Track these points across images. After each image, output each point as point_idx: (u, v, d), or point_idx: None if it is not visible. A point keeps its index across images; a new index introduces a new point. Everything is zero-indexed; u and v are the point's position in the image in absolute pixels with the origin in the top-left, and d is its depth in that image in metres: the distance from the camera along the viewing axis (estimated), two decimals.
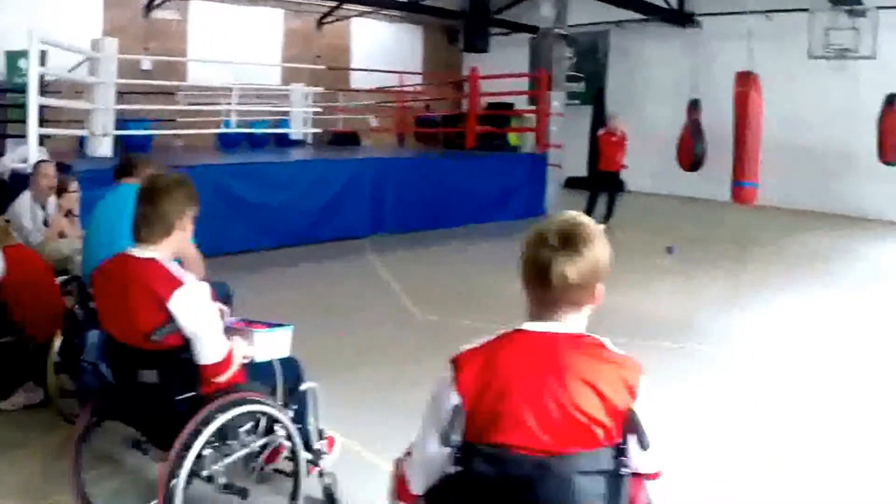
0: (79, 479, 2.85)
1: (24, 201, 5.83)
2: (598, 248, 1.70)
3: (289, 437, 2.85)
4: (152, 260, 2.60)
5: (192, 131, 11.94)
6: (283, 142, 14.09)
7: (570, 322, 1.75)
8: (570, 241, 1.67)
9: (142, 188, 2.70)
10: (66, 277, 4.63)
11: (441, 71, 18.26)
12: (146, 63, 13.31)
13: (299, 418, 3.02)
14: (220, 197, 8.05)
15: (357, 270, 7.78)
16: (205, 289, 2.66)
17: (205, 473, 2.65)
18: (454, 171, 10.55)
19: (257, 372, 2.93)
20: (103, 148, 8.58)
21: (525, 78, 13.79)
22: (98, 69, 8.37)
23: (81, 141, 12.03)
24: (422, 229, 9.77)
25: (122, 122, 12.88)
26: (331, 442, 3.30)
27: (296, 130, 13.64)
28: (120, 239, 3.56)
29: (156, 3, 14.34)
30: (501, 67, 13.19)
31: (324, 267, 7.97)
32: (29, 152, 8.11)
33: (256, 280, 7.13)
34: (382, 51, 17.21)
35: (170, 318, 2.53)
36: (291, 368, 3.09)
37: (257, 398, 2.78)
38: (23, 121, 9.77)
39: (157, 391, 2.69)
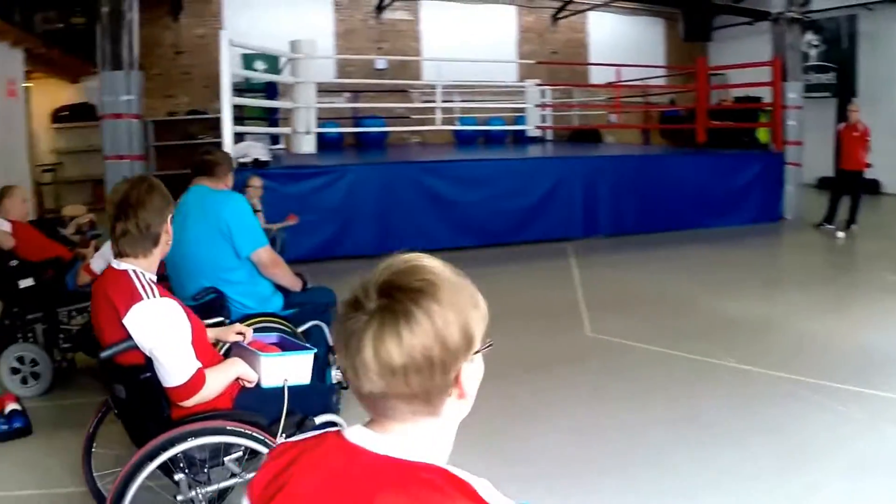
0: (90, 473, 2.79)
1: None
2: (449, 311, 1.05)
3: None
4: (124, 272, 2.39)
5: (425, 128, 12.08)
6: (521, 139, 13.91)
7: (400, 434, 1.08)
8: (396, 299, 1.04)
9: (116, 203, 2.45)
10: None
11: (686, 64, 16.87)
12: (380, 63, 13.79)
13: None
14: (420, 194, 8.11)
15: (550, 274, 7.22)
16: (166, 306, 2.36)
17: (180, 499, 2.45)
18: (677, 170, 9.52)
19: (265, 398, 2.58)
20: (307, 145, 8.82)
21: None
22: (298, 69, 8.61)
23: (320, 137, 12.86)
24: (638, 233, 8.94)
25: (356, 119, 13.62)
26: None
27: (532, 127, 13.34)
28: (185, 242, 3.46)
29: (385, 4, 14.77)
30: (745, 58, 11.77)
31: (515, 269, 7.53)
32: (248, 148, 8.73)
33: None
34: (621, 45, 16.25)
35: (128, 335, 2.32)
36: (307, 397, 2.69)
37: (236, 428, 2.40)
38: (257, 118, 10.60)
39: (128, 408, 2.54)
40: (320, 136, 13.15)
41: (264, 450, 2.41)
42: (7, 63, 9.98)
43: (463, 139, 14.17)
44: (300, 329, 3.73)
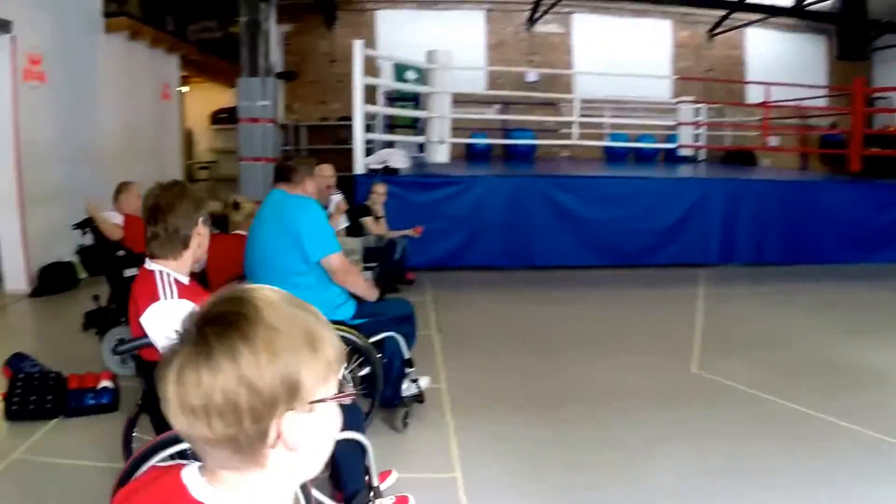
0: (128, 455, 2.76)
1: None
2: (263, 353, 0.93)
3: None
4: (151, 273, 2.45)
5: (574, 142, 11.82)
6: (672, 158, 13.39)
7: (226, 483, 0.98)
8: (203, 334, 0.94)
9: (148, 207, 2.51)
10: None
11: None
12: (531, 75, 13.68)
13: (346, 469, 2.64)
14: (549, 209, 7.94)
15: (672, 302, 6.73)
16: (182, 308, 2.30)
17: None
18: (827, 199, 8.66)
19: None
20: (440, 154, 8.83)
21: None
22: (433, 79, 8.64)
23: (468, 147, 13.01)
24: (779, 264, 8.25)
25: (505, 131, 13.61)
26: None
27: (683, 146, 12.75)
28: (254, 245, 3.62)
29: (537, 16, 14.61)
30: None
31: (637, 293, 7.16)
32: (389, 155, 8.91)
33: (558, 297, 6.87)
34: (780, 63, 15.15)
35: (145, 333, 2.37)
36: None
37: None
38: (407, 126, 10.79)
39: (148, 400, 2.62)
40: (469, 147, 13.34)
41: None
42: (163, 68, 10.72)
43: (612, 155, 13.82)
44: (372, 339, 3.64)
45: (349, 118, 13.31)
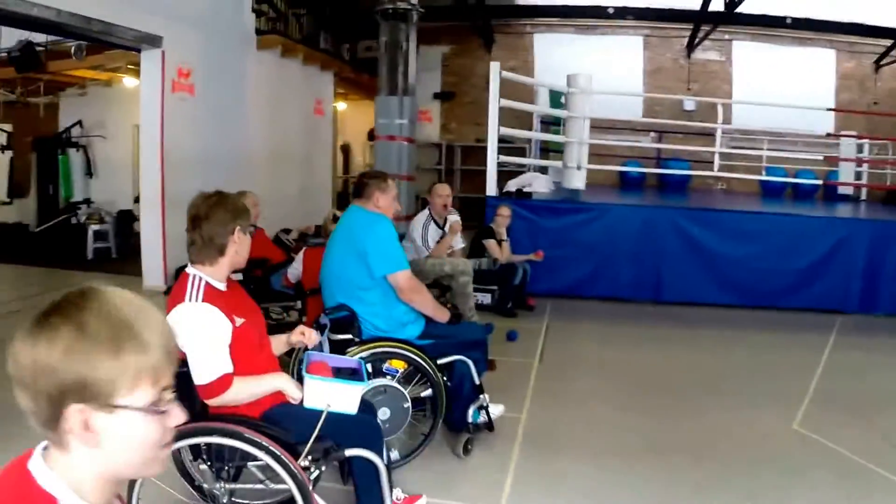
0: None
1: (421, 217, 6.22)
2: (56, 348, 1.01)
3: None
4: (186, 276, 2.57)
5: (729, 175, 11.24)
6: (831, 196, 12.39)
7: (61, 470, 1.06)
8: (42, 318, 1.04)
9: (190, 216, 2.62)
10: None
11: None
12: (689, 104, 13.19)
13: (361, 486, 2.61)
14: (681, 242, 7.62)
15: (794, 350, 6.10)
16: (202, 311, 2.46)
17: (205, 486, 2.58)
18: None
19: (300, 417, 2.57)
20: (576, 181, 8.67)
21: None
22: (573, 104, 8.49)
23: (621, 174, 12.76)
24: None
25: (660, 160, 13.19)
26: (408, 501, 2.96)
27: (844, 184, 11.75)
28: (330, 258, 3.68)
29: (696, 43, 14.02)
30: None
31: (759, 338, 6.50)
32: (532, 179, 8.91)
33: (675, 335, 6.54)
34: None
35: None
36: (347, 428, 2.60)
37: (253, 437, 2.39)
38: (559, 151, 10.70)
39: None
40: (623, 175, 13.01)
41: (276, 465, 2.38)
42: (316, 84, 11.26)
43: (769, 190, 13.00)
44: (440, 361, 3.57)
45: (504, 140, 13.47)
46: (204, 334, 2.43)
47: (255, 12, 9.33)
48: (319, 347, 3.49)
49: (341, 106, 14.97)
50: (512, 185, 9.17)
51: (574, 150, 8.76)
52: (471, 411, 3.73)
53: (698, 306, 7.43)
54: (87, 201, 11.24)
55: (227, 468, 2.53)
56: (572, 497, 3.33)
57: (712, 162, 12.59)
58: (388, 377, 3.46)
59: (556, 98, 12.32)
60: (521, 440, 3.94)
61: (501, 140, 9.64)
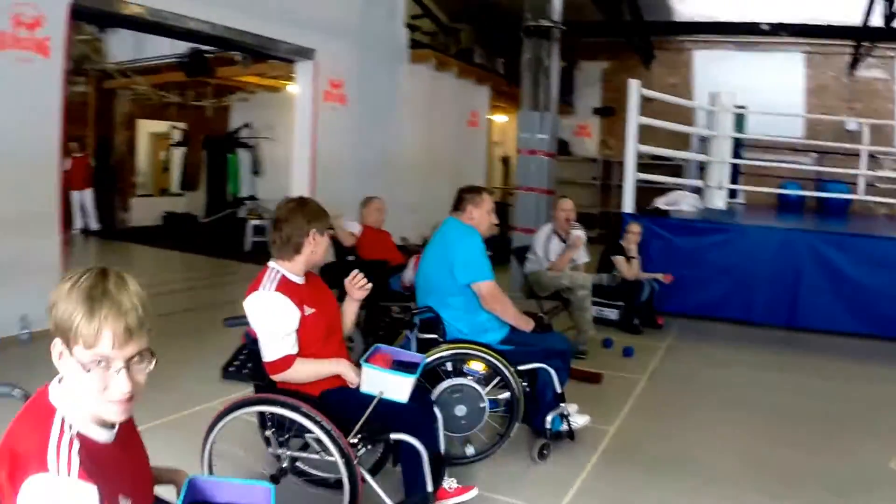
0: None
1: (544, 231, 6.33)
2: (61, 292, 1.46)
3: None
4: (266, 268, 2.92)
5: (888, 200, 10.48)
6: None
7: (63, 390, 1.50)
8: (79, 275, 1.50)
9: (274, 218, 3.00)
10: None
11: None
12: (852, 124, 12.37)
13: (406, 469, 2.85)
14: (819, 267, 7.24)
15: None
16: (272, 299, 2.80)
17: (269, 451, 2.93)
18: None
19: (355, 400, 2.85)
20: (717, 200, 8.44)
21: None
22: (715, 122, 8.29)
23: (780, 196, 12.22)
24: None
25: (820, 182, 12.49)
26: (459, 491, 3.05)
27: None
28: (424, 264, 3.97)
29: (859, 60, 13.07)
30: None
31: (885, 373, 6.06)
32: (680, 197, 8.84)
33: (803, 364, 6.23)
34: None
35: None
36: (397, 414, 2.84)
37: (308, 412, 2.68)
38: None
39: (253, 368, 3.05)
40: (781, 197, 12.38)
41: (326, 439, 2.66)
42: (471, 97, 11.60)
43: None
44: (521, 367, 3.70)
45: (662, 158, 13.28)
46: (271, 319, 2.77)
47: (409, 27, 9.81)
48: (406, 343, 3.75)
49: (502, 119, 15.24)
50: (660, 203, 9.07)
51: (715, 169, 8.52)
52: (550, 418, 3.82)
53: (834, 335, 7.00)
54: (252, 198, 12.25)
55: (287, 437, 2.84)
56: None
57: (874, 186, 11.79)
58: (469, 377, 3.64)
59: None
60: (601, 452, 3.98)
61: (657, 157, 9.56)
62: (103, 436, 1.48)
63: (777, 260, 7.34)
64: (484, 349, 3.66)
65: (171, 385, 4.33)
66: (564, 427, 3.92)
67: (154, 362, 1.48)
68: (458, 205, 4.00)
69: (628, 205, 7.96)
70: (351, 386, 2.91)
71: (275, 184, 12.53)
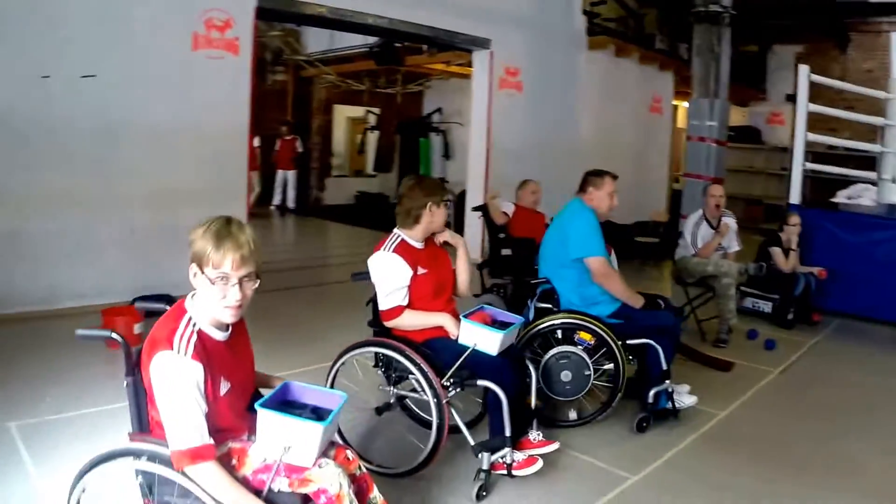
0: None
1: (693, 217, 6.45)
2: (198, 232, 2.12)
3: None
4: (391, 233, 3.49)
5: None
6: None
7: (196, 301, 2.21)
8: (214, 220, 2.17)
9: (398, 193, 3.58)
10: None
11: None
12: None
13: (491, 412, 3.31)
14: None
15: None
16: (387, 259, 3.38)
17: (380, 387, 3.59)
18: None
19: (452, 349, 3.33)
20: (891, 194, 8.01)
21: None
22: (892, 111, 7.85)
23: None
24: None
25: None
26: (528, 462, 3.28)
27: None
28: (546, 239, 4.38)
29: None
30: None
31: None
32: (862, 190, 8.56)
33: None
34: None
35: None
36: (485, 364, 3.27)
37: (411, 355, 3.24)
38: None
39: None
40: None
41: (422, 379, 3.19)
42: (654, 83, 11.58)
43: None
44: (628, 342, 4.00)
45: (852, 149, 12.52)
46: (386, 275, 3.35)
47: (588, 13, 10.04)
48: (526, 311, 4.14)
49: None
50: (842, 196, 8.73)
51: (891, 160, 8.07)
52: (653, 392, 4.07)
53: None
54: (443, 180, 13.03)
55: (393, 375, 3.40)
56: (710, 496, 3.46)
57: None
58: (578, 346, 3.98)
59: None
60: (702, 433, 4.15)
61: (849, 148, 9.14)
62: (219, 335, 2.14)
63: None
64: (593, 321, 4.00)
65: (320, 339, 5.08)
66: (666, 404, 4.15)
67: (258, 282, 2.13)
68: (582, 186, 4.35)
69: (794, 195, 7.77)
70: (451, 337, 3.39)
71: (464, 167, 13.24)
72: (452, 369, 3.19)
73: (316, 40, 12.79)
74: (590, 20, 10.18)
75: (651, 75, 11.45)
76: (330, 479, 2.16)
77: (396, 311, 3.34)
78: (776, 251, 7.00)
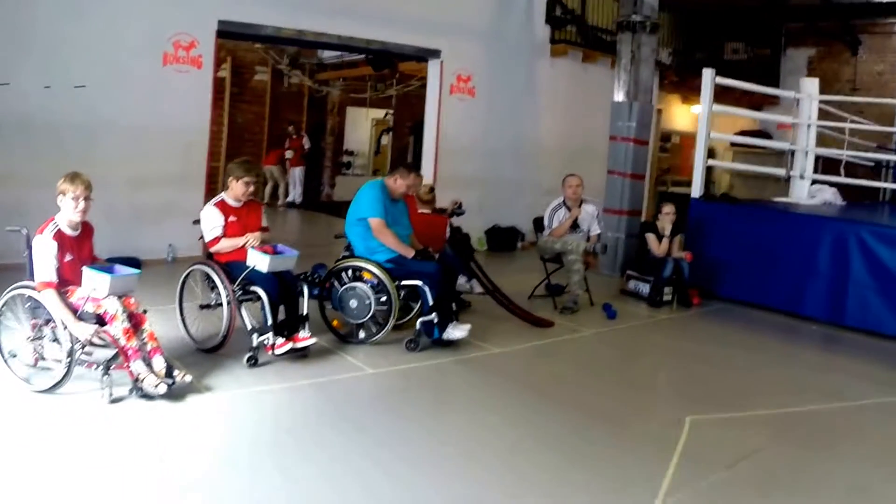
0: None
1: (553, 203, 8.78)
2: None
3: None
4: (220, 198, 6.01)
5: None
6: None
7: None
8: None
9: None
10: None
11: None
12: None
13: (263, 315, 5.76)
14: (862, 260, 8.28)
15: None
16: (208, 208, 6.03)
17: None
18: None
19: (243, 267, 5.85)
20: (800, 190, 9.98)
21: None
22: (799, 110, 9.82)
23: None
24: None
25: None
26: (283, 344, 5.76)
27: None
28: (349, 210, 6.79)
29: None
30: None
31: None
32: (818, 191, 10.66)
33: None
34: None
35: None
36: (261, 278, 5.75)
37: (207, 263, 5.92)
38: None
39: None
40: None
41: (221, 287, 5.69)
42: None
43: None
44: (403, 283, 6.42)
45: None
46: (206, 219, 5.89)
47: (551, 22, 12.41)
48: (341, 258, 6.62)
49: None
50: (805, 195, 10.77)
51: (799, 158, 10.01)
52: (419, 322, 6.43)
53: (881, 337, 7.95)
54: None
55: (213, 286, 5.91)
56: (428, 399, 5.91)
57: None
58: (364, 283, 6.42)
59: None
60: (460, 359, 6.31)
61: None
62: (70, 232, 4.80)
63: (826, 252, 8.51)
64: (373, 265, 6.42)
65: None
66: (438, 335, 6.46)
67: (92, 200, 4.79)
68: (391, 171, 6.90)
69: (696, 190, 9.83)
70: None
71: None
72: (239, 279, 5.72)
73: None
74: (553, 29, 12.51)
75: None
76: (112, 306, 4.77)
77: (214, 242, 5.89)
78: (651, 237, 9.13)
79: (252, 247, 5.90)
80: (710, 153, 18.23)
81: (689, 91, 15.32)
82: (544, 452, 4.58)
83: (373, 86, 16.36)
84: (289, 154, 15.75)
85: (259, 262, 5.83)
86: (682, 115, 17.11)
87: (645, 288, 9.18)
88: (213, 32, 9.43)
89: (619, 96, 10.48)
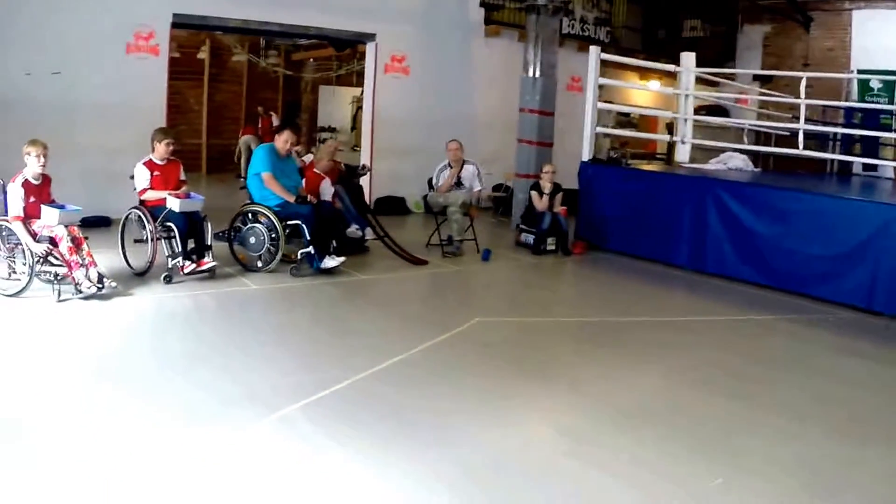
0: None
1: (440, 165, 11.83)
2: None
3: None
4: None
5: None
6: None
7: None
8: None
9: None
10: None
11: None
12: None
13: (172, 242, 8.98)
14: (718, 215, 10.53)
15: (794, 349, 7.79)
16: (139, 165, 9.26)
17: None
18: None
19: (163, 210, 9.02)
20: (682, 154, 12.98)
21: None
22: (680, 82, 12.75)
23: None
24: None
25: None
26: (187, 266, 8.96)
27: None
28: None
29: None
30: None
31: (764, 325, 8.49)
32: (729, 158, 13.63)
33: (662, 302, 9.56)
34: None
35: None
36: (177, 217, 8.93)
37: (138, 207, 9.02)
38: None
39: None
40: None
41: (147, 223, 8.97)
42: (571, 64, 16.57)
43: None
44: (288, 222, 9.53)
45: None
46: (137, 174, 8.94)
47: (485, 5, 15.47)
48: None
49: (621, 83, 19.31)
50: (712, 162, 13.69)
51: (680, 124, 12.94)
52: (299, 252, 9.54)
53: (721, 277, 10.31)
54: None
55: (144, 224, 9.11)
56: (285, 306, 9.12)
57: None
58: (262, 225, 9.57)
59: (865, 85, 15.80)
60: (332, 282, 9.34)
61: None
62: (34, 182, 7.90)
63: (689, 208, 10.88)
64: (265, 208, 9.53)
65: None
66: (312, 261, 9.57)
67: (48, 157, 7.89)
68: (277, 129, 10.10)
69: (585, 154, 12.64)
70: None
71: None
72: (160, 219, 8.79)
73: None
74: (488, 11, 15.56)
75: (566, 57, 16.48)
76: (60, 231, 7.88)
77: (143, 192, 8.87)
78: (534, 194, 12.02)
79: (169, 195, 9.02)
80: (669, 128, 21.21)
81: (648, 70, 17.95)
82: (370, 334, 7.33)
83: (338, 65, 19.54)
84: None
85: (173, 204, 8.86)
86: (640, 94, 19.84)
87: (530, 238, 12.02)
88: (168, 24, 12.63)
89: (529, 72, 13.46)
